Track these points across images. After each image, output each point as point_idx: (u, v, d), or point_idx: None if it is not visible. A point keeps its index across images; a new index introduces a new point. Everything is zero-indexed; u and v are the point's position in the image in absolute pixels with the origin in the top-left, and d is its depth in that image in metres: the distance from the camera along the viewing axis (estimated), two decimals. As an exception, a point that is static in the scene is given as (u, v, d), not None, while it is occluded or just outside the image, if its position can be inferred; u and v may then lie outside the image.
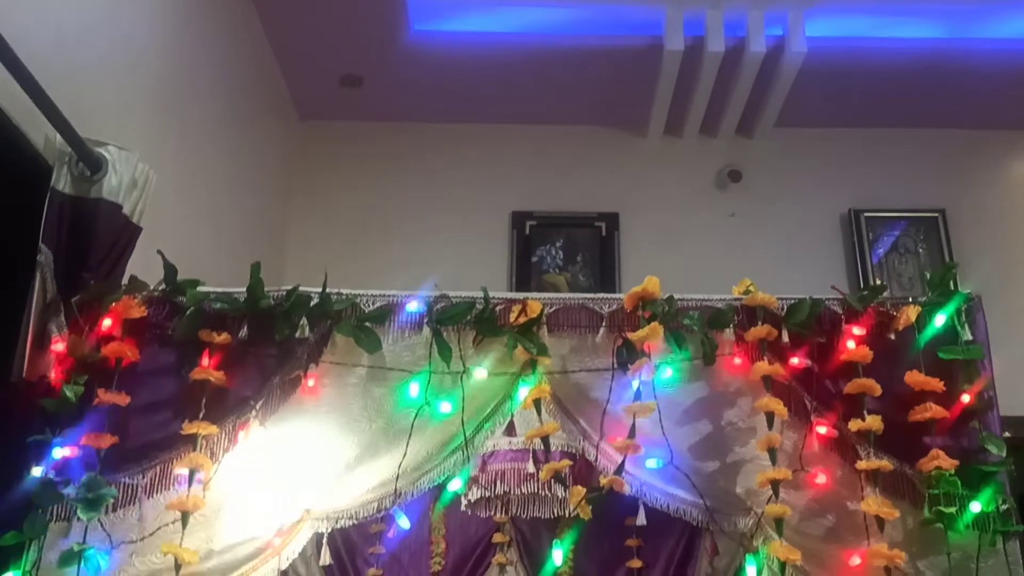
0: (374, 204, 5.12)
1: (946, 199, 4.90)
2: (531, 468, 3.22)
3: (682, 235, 4.96)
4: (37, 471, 2.29)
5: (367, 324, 2.49)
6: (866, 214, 4.86)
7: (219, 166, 4.24)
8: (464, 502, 3.39)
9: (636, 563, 4.14)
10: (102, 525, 2.31)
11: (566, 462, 2.50)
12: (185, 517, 2.31)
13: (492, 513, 3.58)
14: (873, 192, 4.94)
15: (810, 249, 4.85)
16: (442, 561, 4.15)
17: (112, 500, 2.31)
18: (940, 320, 2.50)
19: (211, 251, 3.62)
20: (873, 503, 2.33)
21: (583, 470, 2.89)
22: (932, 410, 2.40)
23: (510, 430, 2.52)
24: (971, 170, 5.03)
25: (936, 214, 4.83)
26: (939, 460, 2.35)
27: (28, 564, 2.26)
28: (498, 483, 3.29)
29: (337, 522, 2.55)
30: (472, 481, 3.34)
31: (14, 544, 2.25)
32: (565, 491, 3.21)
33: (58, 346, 2.41)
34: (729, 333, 2.52)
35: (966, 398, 2.43)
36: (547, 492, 3.27)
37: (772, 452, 2.41)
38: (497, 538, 4.17)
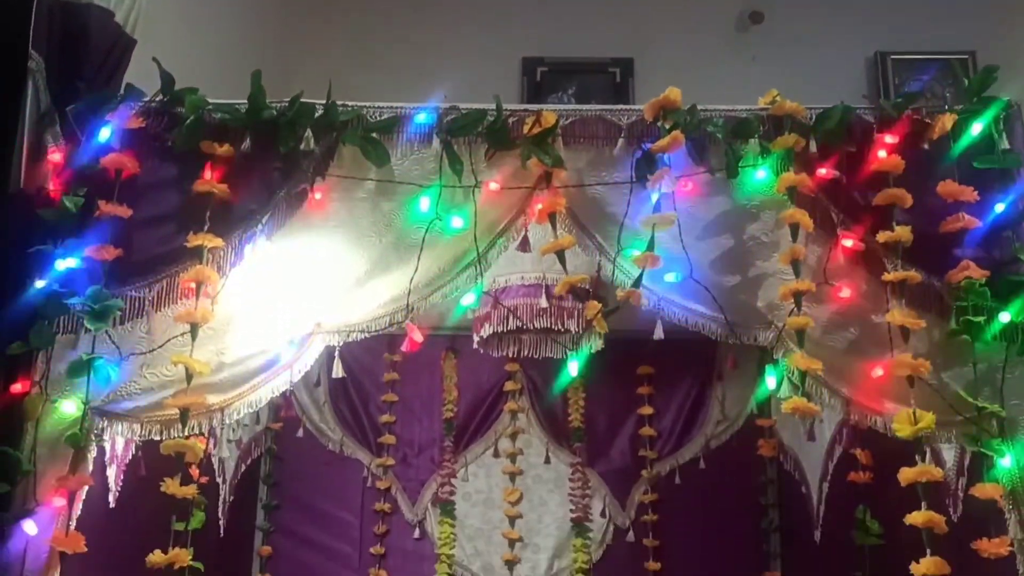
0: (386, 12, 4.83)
1: (976, 41, 4.68)
2: (544, 303, 3.17)
3: (700, 81, 4.72)
4: (40, 283, 2.24)
5: (374, 135, 2.39)
6: (893, 56, 4.65)
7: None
8: (476, 339, 3.35)
9: (647, 409, 4.17)
10: (110, 337, 2.28)
11: (582, 276, 2.43)
12: (194, 329, 2.27)
13: (504, 353, 3.54)
14: (901, 34, 4.71)
15: (834, 95, 4.64)
16: (454, 408, 4.18)
17: (119, 312, 2.27)
18: (977, 128, 2.38)
19: (210, 63, 3.41)
20: (898, 314, 2.26)
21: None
22: (964, 220, 2.32)
23: (523, 245, 2.44)
24: (1003, 10, 4.78)
25: (966, 56, 4.62)
26: (969, 271, 2.28)
27: (36, 375, 2.24)
28: (511, 319, 3.24)
29: (349, 335, 2.52)
30: (484, 318, 3.30)
31: (22, 355, 2.22)
32: (578, 325, 3.17)
33: (55, 156, 2.33)
34: (754, 144, 2.41)
35: (1000, 208, 2.34)
36: (560, 326, 3.22)
37: (796, 265, 2.33)
38: (509, 386, 4.18)
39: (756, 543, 4.01)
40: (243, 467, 3.82)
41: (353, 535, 4.00)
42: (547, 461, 4.11)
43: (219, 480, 3.52)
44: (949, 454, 2.61)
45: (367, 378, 4.19)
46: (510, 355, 3.59)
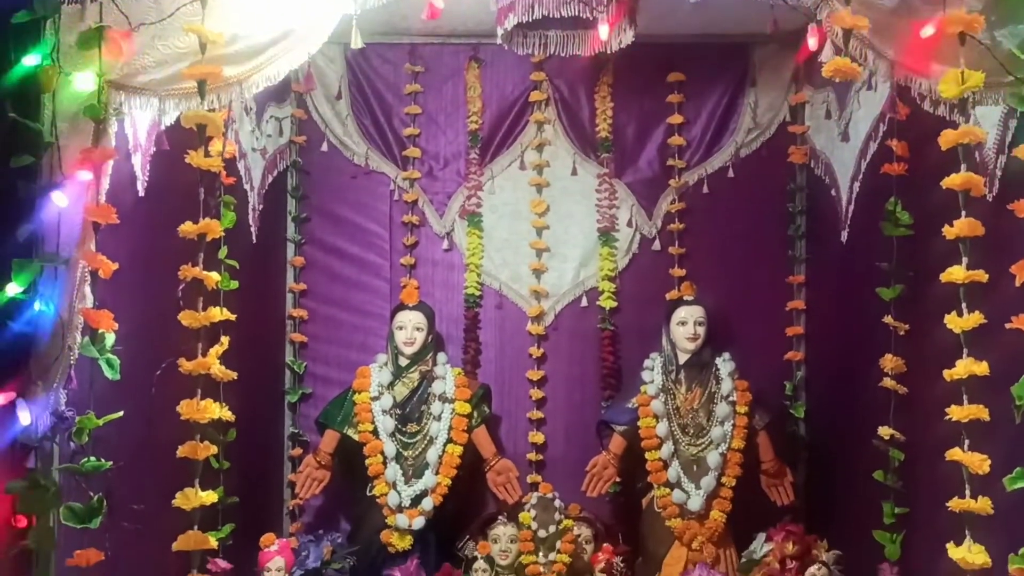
0: None
1: None
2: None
3: None
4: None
5: None
6: None
7: None
8: (500, 32, 3.19)
9: (677, 118, 4.07)
10: (117, 6, 2.17)
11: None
12: (203, -4, 2.16)
13: (529, 52, 3.39)
14: None
15: None
16: (479, 120, 4.10)
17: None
18: None
19: None
20: None
21: None
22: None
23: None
24: None
25: None
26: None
27: (47, 48, 2.16)
28: (536, 7, 3.07)
29: (365, 4, 2.39)
30: (508, 9, 3.12)
31: (28, 24, 2.13)
32: (607, 11, 3.00)
33: None
34: None
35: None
36: (588, 14, 3.05)
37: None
38: (535, 96, 4.08)
39: (782, 249, 4.06)
40: (270, 178, 3.82)
41: (383, 246, 4.08)
42: (574, 173, 4.09)
43: (247, 187, 3.53)
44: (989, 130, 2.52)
45: (389, 91, 4.09)
46: (535, 54, 3.44)
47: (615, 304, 4.03)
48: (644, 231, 4.06)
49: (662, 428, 3.68)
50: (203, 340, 2.17)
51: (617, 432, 3.77)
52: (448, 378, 3.77)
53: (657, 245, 4.06)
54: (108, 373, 2.07)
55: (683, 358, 3.75)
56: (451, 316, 4.03)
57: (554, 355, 4.05)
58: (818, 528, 3.52)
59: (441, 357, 3.81)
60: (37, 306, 2.03)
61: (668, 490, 3.65)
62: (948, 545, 2.01)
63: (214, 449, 2.11)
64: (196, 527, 2.07)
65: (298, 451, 3.97)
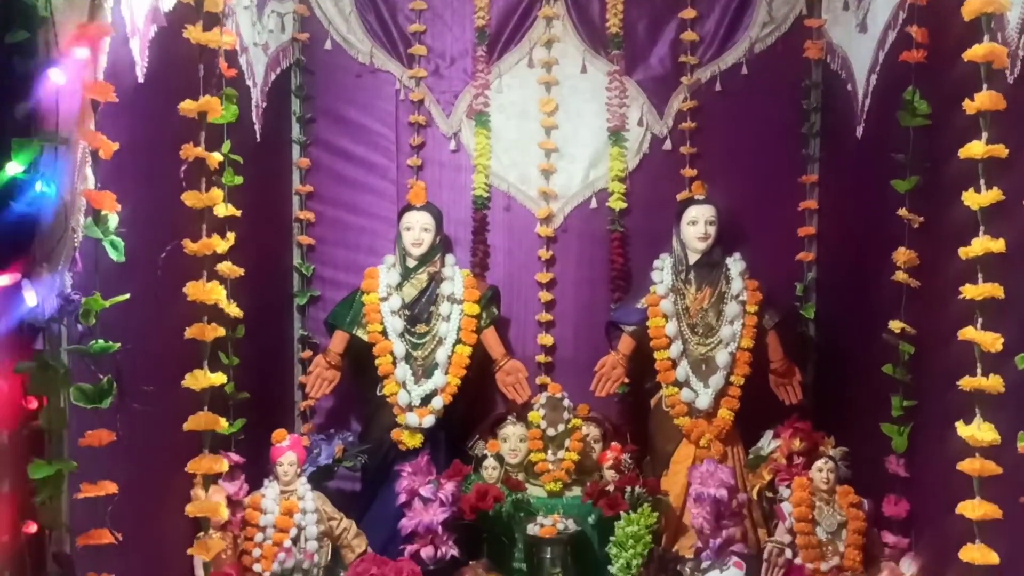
0: None
1: None
2: None
3: None
4: None
5: None
6: None
7: None
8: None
9: (689, 12, 3.96)
10: None
11: None
12: None
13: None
14: None
15: None
16: (486, 16, 4.00)
17: None
18: None
19: None
20: None
21: None
22: None
23: None
24: None
25: None
26: None
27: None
28: None
29: None
30: None
31: None
32: None
33: None
34: None
35: None
36: None
37: None
38: (544, -9, 3.97)
39: (795, 148, 3.99)
40: (272, 75, 3.74)
41: (389, 147, 4.02)
42: (583, 71, 4.01)
43: (249, 84, 3.46)
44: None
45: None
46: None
47: (625, 205, 3.99)
48: (655, 130, 3.99)
49: (671, 328, 3.67)
50: (207, 224, 2.15)
51: (626, 332, 3.77)
52: (456, 279, 3.76)
53: (668, 145, 3.99)
54: (113, 255, 2.05)
55: (693, 258, 3.72)
56: (459, 218, 3.99)
57: (563, 257, 4.03)
58: (826, 427, 3.55)
59: (449, 258, 3.79)
60: (39, 187, 2.00)
61: (676, 389, 3.67)
62: (957, 424, 2.00)
63: (222, 331, 2.11)
64: (207, 408, 2.07)
65: (308, 353, 3.99)
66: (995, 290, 1.98)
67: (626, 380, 3.78)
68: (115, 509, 2.09)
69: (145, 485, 2.36)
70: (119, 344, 2.07)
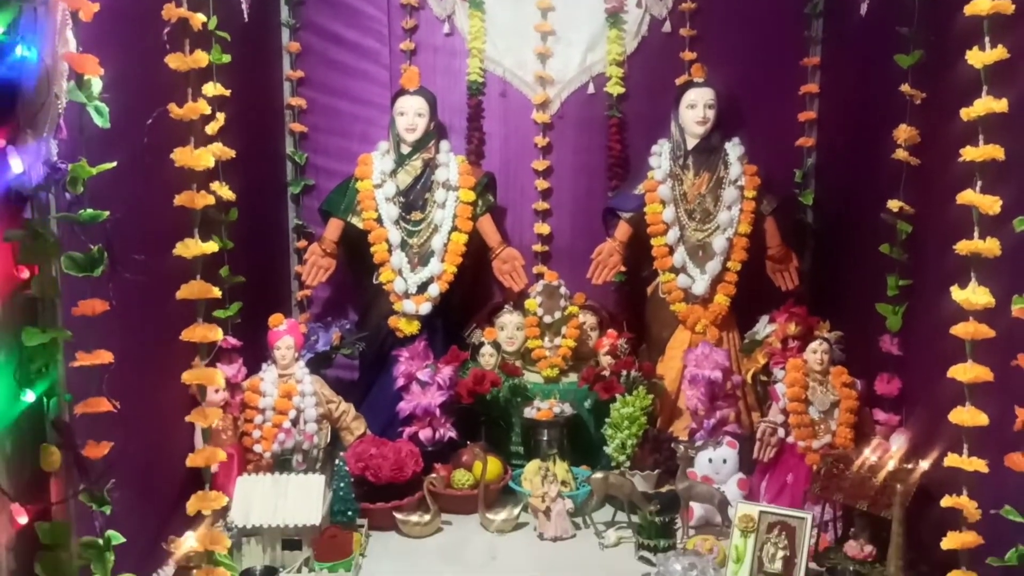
0: None
1: None
2: None
3: None
4: None
5: None
6: None
7: None
8: None
9: None
10: None
11: None
12: None
13: None
14: None
15: None
16: None
17: None
18: None
19: None
20: None
21: None
22: None
23: None
24: None
25: None
26: None
27: None
28: None
29: None
30: None
31: None
32: None
33: None
34: None
35: None
36: None
37: None
38: None
39: (797, 30, 3.90)
40: (259, -47, 3.62)
41: (381, 31, 3.93)
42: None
43: (235, -40, 3.35)
44: None
45: None
46: None
47: (623, 90, 3.91)
48: (654, 12, 3.89)
49: (668, 213, 3.65)
50: (192, 86, 2.09)
51: (623, 219, 3.75)
52: (451, 166, 3.72)
53: (668, 27, 3.89)
54: (98, 121, 2.01)
55: (692, 143, 3.67)
56: (453, 105, 3.92)
57: (560, 144, 3.98)
58: (822, 313, 3.54)
59: (444, 145, 3.74)
60: (19, 50, 1.94)
61: (673, 275, 3.67)
62: (952, 288, 2.00)
63: (211, 199, 2.08)
64: (199, 277, 2.06)
65: (303, 243, 3.97)
66: (995, 151, 1.95)
67: (623, 268, 3.78)
68: (112, 379, 2.10)
69: (142, 356, 2.38)
70: (108, 212, 2.04)
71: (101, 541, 2.13)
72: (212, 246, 2.07)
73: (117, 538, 2.15)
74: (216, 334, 2.09)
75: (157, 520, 2.59)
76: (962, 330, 2.00)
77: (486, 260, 3.80)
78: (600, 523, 3.16)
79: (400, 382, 3.47)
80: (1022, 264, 1.99)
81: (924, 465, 2.49)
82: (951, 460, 2.01)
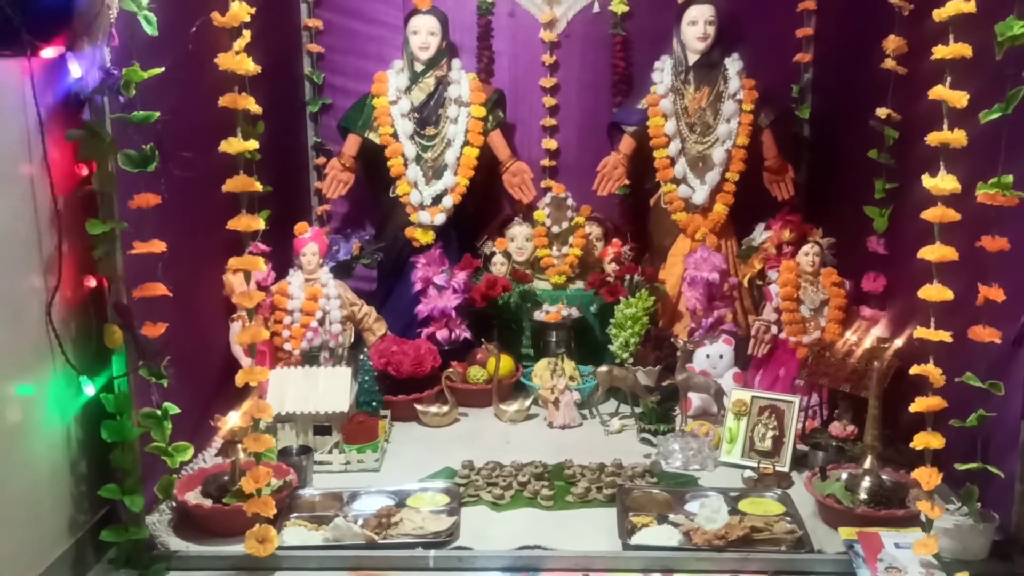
0: None
1: None
2: None
3: None
4: None
5: None
6: None
7: None
8: None
9: None
10: None
11: None
12: None
13: None
14: None
15: None
16: None
17: None
18: None
19: None
20: None
21: None
22: None
23: None
24: None
25: None
26: None
27: None
28: None
29: None
30: None
31: None
32: None
33: None
34: None
35: None
36: None
37: None
38: None
39: (795, -53, 4.01)
40: None
41: None
42: None
43: None
44: None
45: None
46: None
47: (627, 8, 4.06)
48: None
49: (670, 126, 3.83)
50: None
51: (627, 133, 3.93)
52: (463, 82, 3.89)
53: None
54: (147, 28, 2.20)
55: (692, 59, 3.83)
56: (464, 24, 4.07)
57: (566, 62, 4.14)
58: (815, 221, 3.74)
59: (456, 63, 3.90)
60: (73, -36, 2.14)
61: (674, 186, 3.87)
62: (923, 176, 2.20)
63: (252, 100, 2.28)
64: (242, 172, 2.28)
65: (322, 160, 4.16)
66: (963, 49, 2.12)
67: (627, 181, 3.97)
68: (164, 266, 2.33)
69: (189, 246, 2.61)
70: (159, 113, 2.25)
71: (159, 412, 2.39)
72: (253, 143, 2.28)
73: (173, 409, 2.41)
74: (259, 223, 2.32)
75: (205, 398, 2.86)
76: (931, 214, 2.20)
77: (497, 173, 3.99)
78: (605, 414, 3.42)
79: (418, 286, 3.70)
80: (988, 154, 2.19)
81: (898, 342, 2.73)
82: (920, 332, 2.24)
